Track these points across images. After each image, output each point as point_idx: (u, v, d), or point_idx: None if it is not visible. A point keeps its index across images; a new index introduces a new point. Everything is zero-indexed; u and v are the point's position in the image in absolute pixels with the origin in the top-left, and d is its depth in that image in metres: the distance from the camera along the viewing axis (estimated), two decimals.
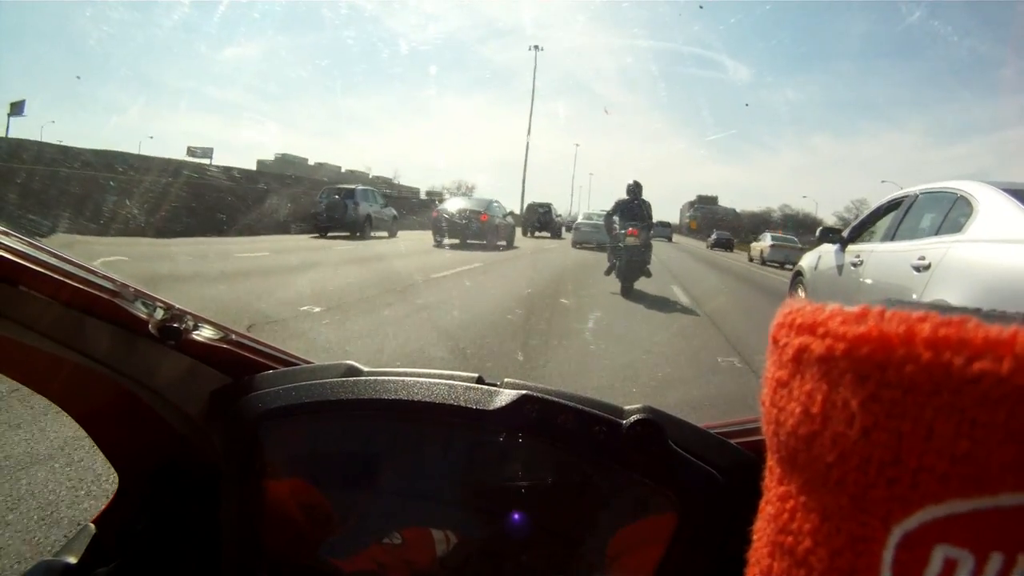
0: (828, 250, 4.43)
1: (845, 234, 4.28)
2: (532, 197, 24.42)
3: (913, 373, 0.14)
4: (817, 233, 4.67)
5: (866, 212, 4.53)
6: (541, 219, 22.19)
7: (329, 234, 13.27)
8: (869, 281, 3.60)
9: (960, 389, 0.14)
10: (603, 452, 0.48)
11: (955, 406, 0.14)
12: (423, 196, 40.63)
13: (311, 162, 53.22)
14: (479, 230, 13.05)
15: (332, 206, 13.60)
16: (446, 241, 12.87)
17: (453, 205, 14.12)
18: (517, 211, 14.82)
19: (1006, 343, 0.13)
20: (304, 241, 11.97)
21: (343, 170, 52.75)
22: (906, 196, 3.77)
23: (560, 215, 27.86)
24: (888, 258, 3.53)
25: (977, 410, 0.13)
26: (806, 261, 4.97)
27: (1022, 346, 0.13)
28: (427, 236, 14.07)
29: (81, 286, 0.49)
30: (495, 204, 14.43)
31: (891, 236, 3.71)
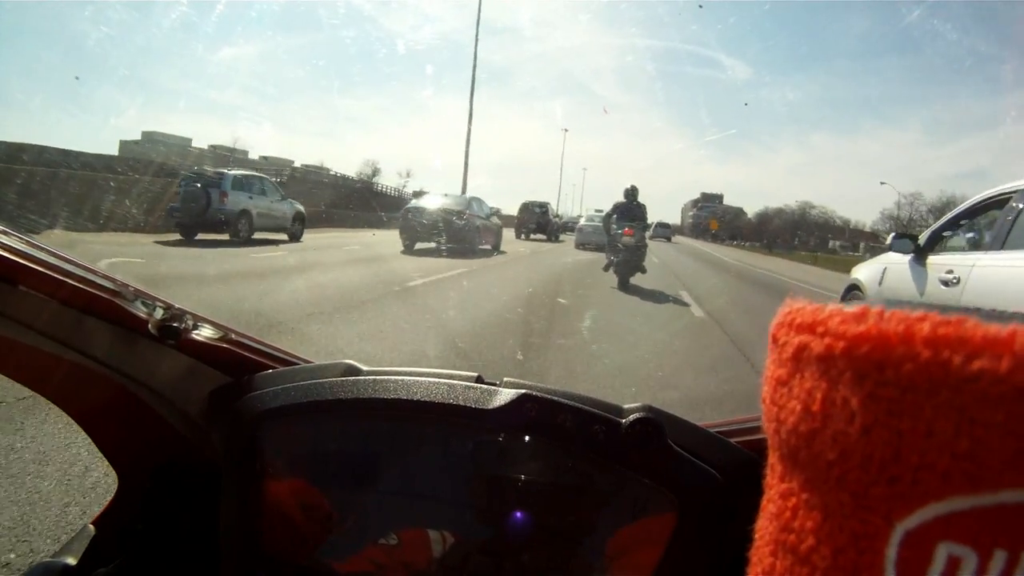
0: (896, 261, 3.46)
1: (922, 240, 3.29)
2: (525, 197, 22.73)
3: (912, 372, 0.14)
4: (889, 239, 3.63)
5: (949, 213, 3.52)
6: (538, 220, 20.05)
7: (198, 236, 9.77)
8: (974, 305, 2.41)
9: (959, 387, 0.13)
10: (603, 451, 0.47)
11: (954, 404, 0.14)
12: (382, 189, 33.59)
13: (197, 143, 37.37)
14: (457, 232, 10.86)
15: (189, 198, 9.67)
16: (419, 245, 10.85)
17: (426, 202, 11.70)
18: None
19: (1005, 342, 0.13)
20: (149, 247, 8.31)
21: (253, 156, 36.62)
22: (1015, 192, 2.86)
23: (559, 215, 26.60)
24: (1004, 275, 2.60)
25: (976, 408, 0.13)
26: (863, 273, 3.96)
27: (1021, 345, 0.13)
28: (384, 238, 12.02)
29: (80, 285, 0.49)
30: (477, 201, 12.26)
31: (1000, 244, 2.60)
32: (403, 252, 10.32)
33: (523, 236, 19.58)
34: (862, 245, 45.98)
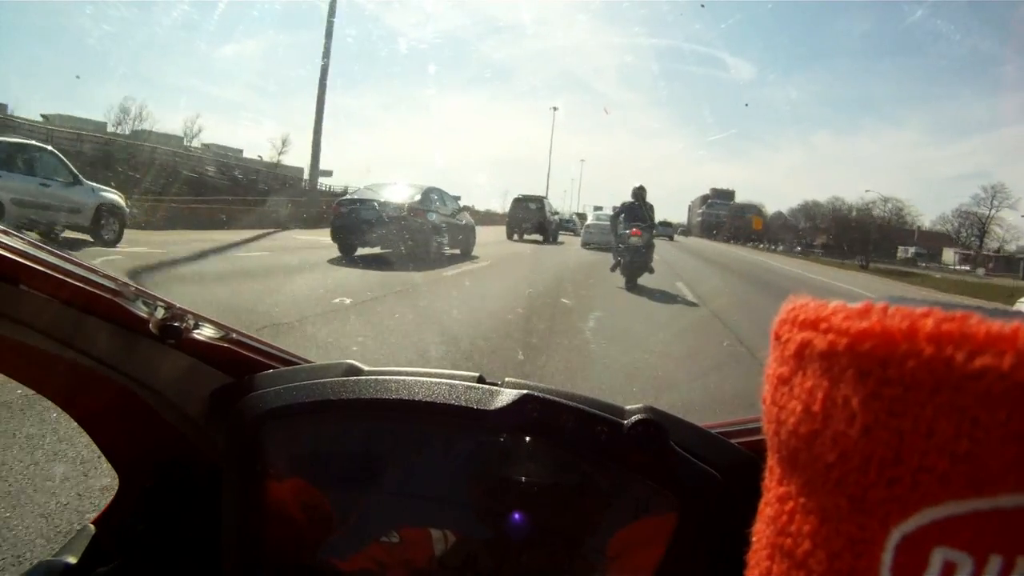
0: None
1: None
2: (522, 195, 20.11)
3: (914, 369, 0.14)
4: None
5: None
6: (533, 217, 17.03)
7: None
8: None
9: (961, 386, 0.13)
10: (604, 452, 0.48)
11: (956, 404, 0.13)
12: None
13: (24, 113, 26.04)
14: (410, 233, 8.28)
15: None
16: (361, 251, 8.36)
17: (368, 194, 8.92)
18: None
19: (1008, 338, 0.13)
20: None
21: (120, 130, 25.71)
22: None
23: (558, 212, 23.87)
24: None
25: (978, 408, 0.13)
26: None
27: None
28: (313, 238, 9.69)
29: (81, 285, 0.49)
30: (438, 193, 9.50)
31: None
32: (331, 262, 7.71)
33: (515, 236, 16.81)
34: (955, 255, 34.96)
